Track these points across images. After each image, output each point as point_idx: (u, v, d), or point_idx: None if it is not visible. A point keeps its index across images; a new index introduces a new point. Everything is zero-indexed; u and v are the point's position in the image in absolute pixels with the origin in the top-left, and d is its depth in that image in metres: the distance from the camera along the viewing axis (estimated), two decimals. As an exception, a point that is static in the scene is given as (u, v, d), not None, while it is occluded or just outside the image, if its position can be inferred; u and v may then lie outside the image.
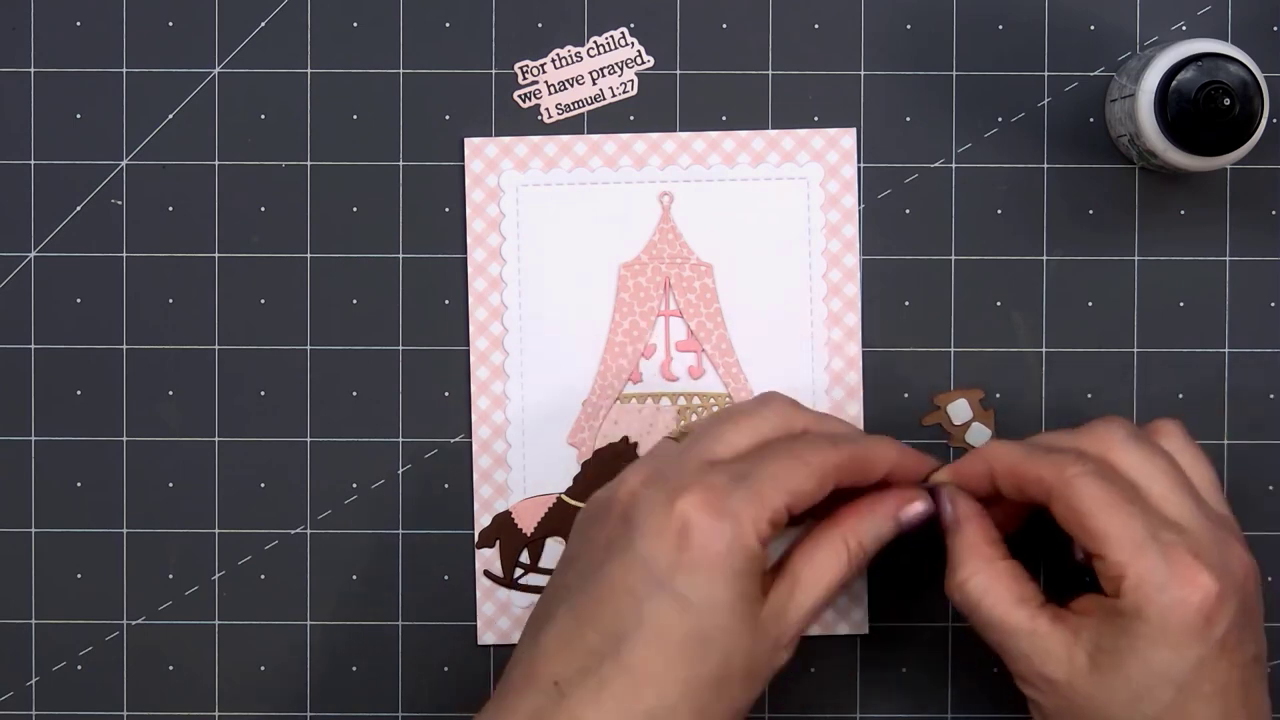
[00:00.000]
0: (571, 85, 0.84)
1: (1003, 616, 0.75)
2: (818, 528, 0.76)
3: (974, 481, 0.78)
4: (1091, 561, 0.75)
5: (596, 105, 0.84)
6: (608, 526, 0.74)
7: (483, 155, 0.84)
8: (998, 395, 0.84)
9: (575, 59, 0.84)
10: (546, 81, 0.84)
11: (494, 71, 0.84)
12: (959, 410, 0.83)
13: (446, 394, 0.84)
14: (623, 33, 0.84)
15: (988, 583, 0.76)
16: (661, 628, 0.72)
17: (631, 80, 0.84)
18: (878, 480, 0.77)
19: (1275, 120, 0.83)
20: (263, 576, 0.84)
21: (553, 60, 0.84)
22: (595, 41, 0.84)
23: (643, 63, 0.84)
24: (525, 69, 0.84)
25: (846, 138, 0.84)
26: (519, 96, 0.84)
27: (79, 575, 0.84)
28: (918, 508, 0.77)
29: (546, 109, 0.84)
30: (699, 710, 0.72)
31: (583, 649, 0.73)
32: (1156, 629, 0.73)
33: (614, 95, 0.84)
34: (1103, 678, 0.74)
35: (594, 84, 0.84)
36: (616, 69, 0.84)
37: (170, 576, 0.84)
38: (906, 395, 0.84)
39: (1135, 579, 0.73)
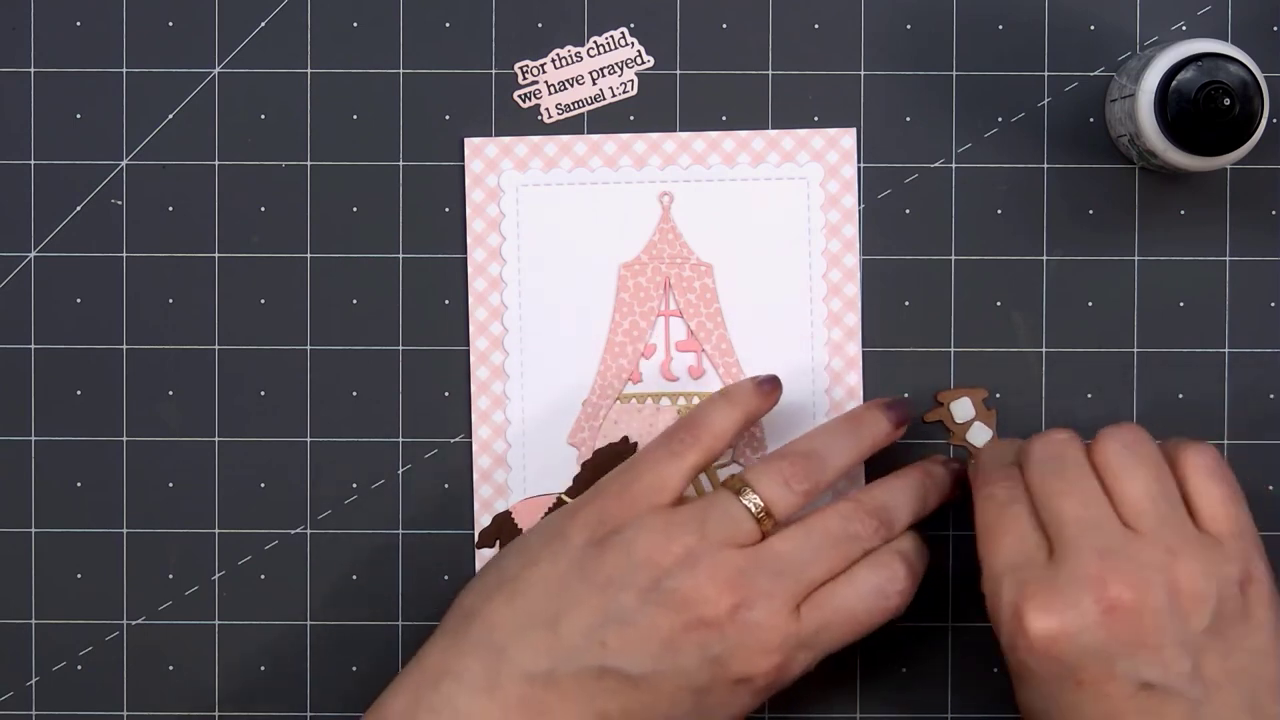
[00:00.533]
0: (571, 85, 0.84)
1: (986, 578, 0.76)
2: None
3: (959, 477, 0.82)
4: None
5: (596, 105, 0.84)
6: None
7: (483, 155, 0.84)
8: (998, 395, 0.84)
9: (575, 59, 0.84)
10: (546, 81, 0.84)
11: (494, 71, 0.84)
12: (962, 409, 0.83)
13: (446, 394, 0.84)
14: (623, 33, 0.84)
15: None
16: None
17: (631, 80, 0.84)
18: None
19: (1275, 120, 0.83)
20: (263, 576, 0.84)
21: (553, 60, 0.84)
22: (595, 41, 0.84)
23: (643, 63, 0.84)
24: (525, 69, 0.84)
25: (846, 138, 0.84)
26: (519, 96, 0.84)
27: (79, 575, 0.84)
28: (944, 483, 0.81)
29: (546, 109, 0.84)
30: None
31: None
32: (1010, 659, 0.74)
33: (614, 95, 0.84)
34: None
35: (594, 84, 0.84)
36: (616, 69, 0.84)
37: (170, 576, 0.84)
38: (907, 395, 0.84)
39: (991, 609, 0.74)
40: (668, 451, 0.77)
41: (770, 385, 0.79)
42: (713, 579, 0.74)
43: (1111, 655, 0.72)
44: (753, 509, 0.76)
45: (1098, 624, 0.72)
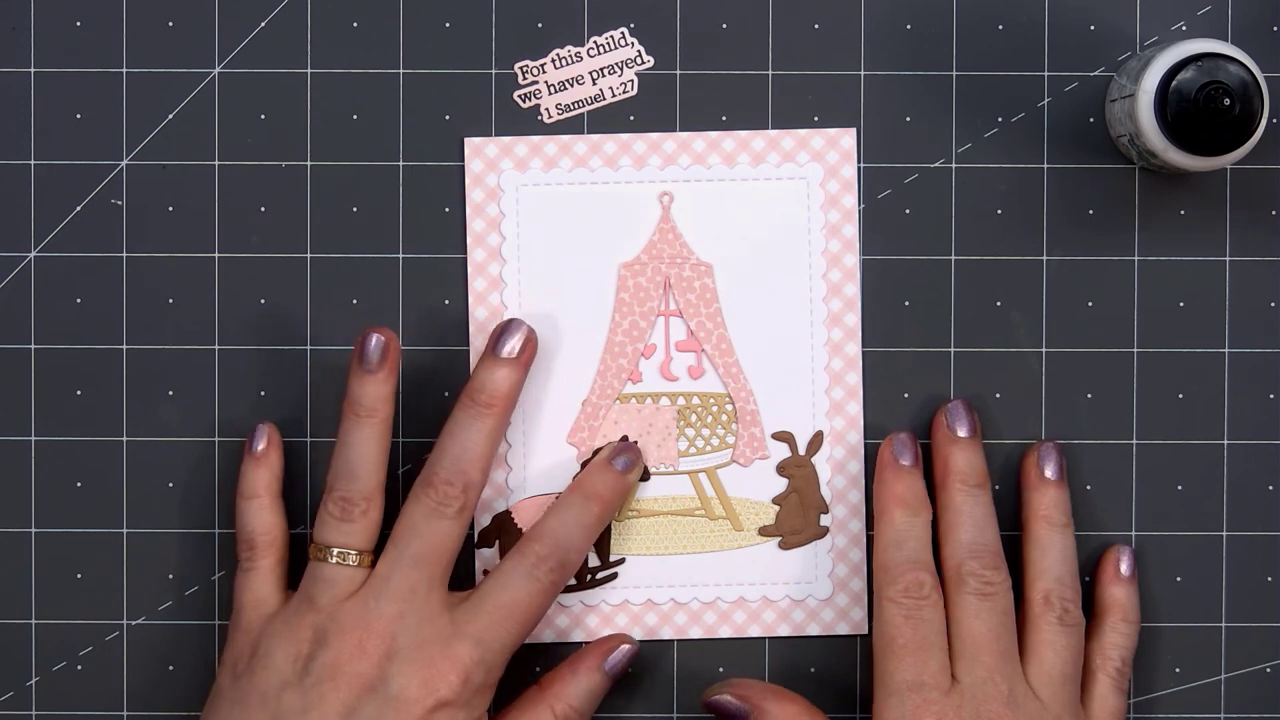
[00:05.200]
0: (571, 85, 0.84)
1: None
2: (524, 696, 0.80)
3: None
4: None
5: (596, 105, 0.84)
6: None
7: (483, 155, 0.84)
8: (997, 395, 0.84)
9: (575, 59, 0.84)
10: (546, 81, 0.84)
11: (494, 71, 0.84)
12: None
13: (446, 394, 0.84)
14: (623, 33, 0.84)
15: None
16: None
17: (631, 80, 0.84)
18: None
19: (1275, 120, 0.83)
20: (263, 576, 0.84)
21: (553, 60, 0.84)
22: (595, 41, 0.84)
23: (643, 63, 0.84)
24: (525, 69, 0.84)
25: (846, 138, 0.84)
26: (519, 96, 0.84)
27: (79, 575, 0.84)
28: (623, 651, 0.81)
29: (546, 109, 0.84)
30: None
31: None
32: None
33: (614, 95, 0.84)
34: None
35: (594, 84, 0.84)
36: (616, 69, 0.84)
37: (170, 576, 0.84)
38: (906, 395, 0.84)
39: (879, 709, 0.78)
40: (243, 571, 0.80)
41: (261, 452, 0.81)
42: (348, 633, 0.77)
43: None
44: (340, 559, 0.78)
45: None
